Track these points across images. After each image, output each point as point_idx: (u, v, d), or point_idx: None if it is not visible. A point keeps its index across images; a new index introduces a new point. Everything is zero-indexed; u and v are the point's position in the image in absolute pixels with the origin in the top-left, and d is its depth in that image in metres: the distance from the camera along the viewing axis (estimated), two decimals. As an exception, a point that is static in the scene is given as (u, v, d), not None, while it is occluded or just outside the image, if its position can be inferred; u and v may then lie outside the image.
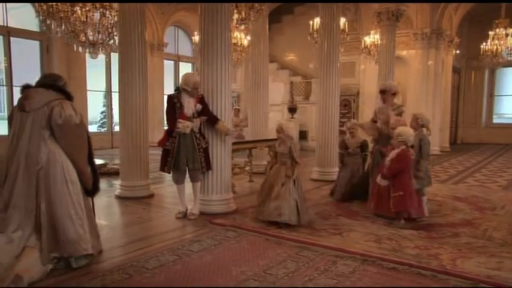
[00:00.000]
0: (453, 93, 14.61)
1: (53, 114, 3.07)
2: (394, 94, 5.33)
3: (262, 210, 4.39)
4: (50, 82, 3.25)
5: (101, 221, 4.46)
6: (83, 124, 3.23)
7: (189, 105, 4.54)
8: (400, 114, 5.12)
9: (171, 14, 14.01)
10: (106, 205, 5.38)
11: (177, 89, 4.67)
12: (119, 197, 5.67)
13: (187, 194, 4.90)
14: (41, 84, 3.24)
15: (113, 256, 3.46)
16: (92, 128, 13.53)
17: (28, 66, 11.53)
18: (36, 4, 8.03)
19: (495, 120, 16.90)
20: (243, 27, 7.00)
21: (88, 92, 12.15)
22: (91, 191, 3.36)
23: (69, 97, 3.25)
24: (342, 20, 8.75)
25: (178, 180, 4.80)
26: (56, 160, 3.07)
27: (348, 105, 13.08)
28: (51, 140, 3.11)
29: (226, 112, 4.89)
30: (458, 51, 14.04)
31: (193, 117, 4.56)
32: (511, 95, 16.76)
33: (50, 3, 7.82)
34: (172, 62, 15.09)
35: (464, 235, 4.06)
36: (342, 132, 6.91)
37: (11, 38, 10.67)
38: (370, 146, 5.56)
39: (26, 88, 3.22)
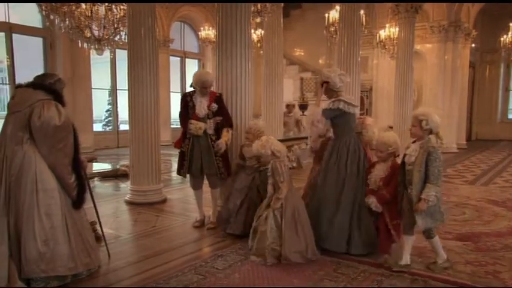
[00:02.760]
0: (468, 88, 14.14)
1: (32, 116, 2.74)
2: (324, 83, 3.70)
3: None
4: (39, 81, 2.93)
5: (112, 231, 4.12)
6: (66, 127, 2.83)
7: (201, 105, 4.14)
8: None
9: (176, 9, 13.57)
10: (116, 212, 5.01)
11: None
12: (130, 203, 5.29)
13: (205, 200, 4.53)
14: (30, 84, 2.92)
15: (129, 275, 3.10)
16: (97, 127, 13.16)
17: (31, 63, 11.15)
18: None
19: (510, 116, 16.43)
20: (258, 19, 6.57)
21: (93, 90, 11.77)
22: (75, 202, 2.93)
23: (58, 97, 2.89)
24: (361, 12, 8.29)
25: (195, 185, 4.43)
26: (30, 166, 2.71)
27: (361, 101, 12.63)
28: (29, 144, 2.76)
29: (247, 112, 4.50)
30: (473, 45, 13.57)
31: (208, 118, 4.17)
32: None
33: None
34: (179, 58, 14.68)
35: (517, 247, 3.67)
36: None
37: (13, 35, 10.29)
38: None
39: (16, 88, 2.95)
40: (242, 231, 3.75)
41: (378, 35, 11.22)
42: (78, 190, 2.90)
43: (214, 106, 4.15)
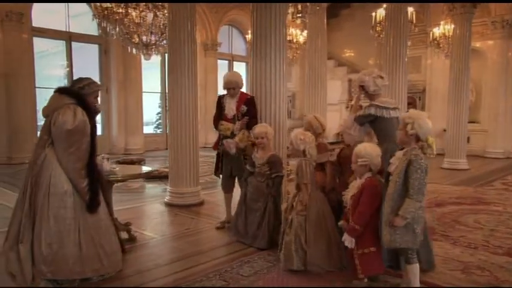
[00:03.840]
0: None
1: (51, 120, 2.85)
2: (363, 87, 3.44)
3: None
4: (69, 86, 3.03)
5: (146, 232, 4.21)
6: (78, 131, 2.83)
7: (229, 106, 4.22)
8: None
9: (224, 13, 13.78)
10: (155, 213, 5.13)
11: None
12: (168, 204, 5.39)
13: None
14: (59, 89, 3.02)
15: (157, 277, 3.12)
16: (148, 129, 13.66)
17: (88, 69, 11.82)
18: (93, 6, 8.06)
19: None
20: (299, 21, 6.45)
21: (145, 93, 12.24)
22: (88, 206, 2.90)
23: (82, 102, 2.94)
24: (410, 10, 7.90)
25: (225, 188, 4.48)
26: (47, 169, 2.80)
27: (413, 103, 12.02)
28: (50, 148, 2.86)
29: (281, 114, 4.40)
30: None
31: (237, 119, 4.19)
32: None
33: (105, 5, 7.82)
34: (227, 61, 14.88)
35: None
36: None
37: (73, 43, 10.97)
38: None
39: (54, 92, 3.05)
40: (269, 245, 3.63)
41: (431, 33, 10.63)
42: (90, 195, 2.88)
43: (244, 108, 4.15)
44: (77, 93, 2.96)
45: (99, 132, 11.29)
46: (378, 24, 8.65)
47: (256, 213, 3.74)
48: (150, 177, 7.50)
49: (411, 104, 12.05)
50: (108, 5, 7.80)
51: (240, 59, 15.27)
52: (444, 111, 9.89)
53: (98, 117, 11.95)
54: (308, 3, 6.20)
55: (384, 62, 6.69)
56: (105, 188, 3.19)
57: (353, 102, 3.71)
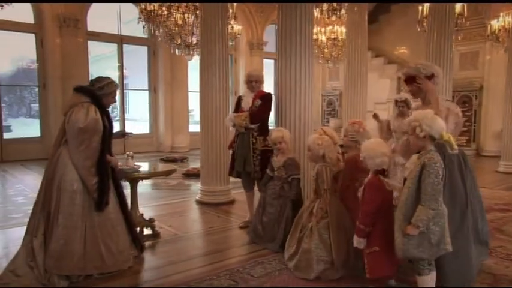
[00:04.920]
0: None
1: (65, 119, 2.95)
2: (431, 77, 2.97)
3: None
4: (82, 85, 3.13)
5: (171, 229, 4.31)
6: (89, 129, 2.89)
7: (246, 100, 4.31)
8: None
9: (270, 12, 13.76)
10: (185, 210, 5.24)
11: None
12: (200, 202, 5.49)
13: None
14: (75, 87, 3.12)
15: (168, 274, 3.17)
16: (196, 128, 13.97)
17: (138, 70, 12.38)
18: (139, 8, 8.39)
19: None
20: (334, 18, 6.27)
21: (193, 93, 12.51)
22: (96, 204, 2.95)
23: (96, 100, 3.02)
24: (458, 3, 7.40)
25: (246, 186, 4.50)
26: (61, 166, 2.92)
27: (468, 102, 11.27)
28: (64, 145, 2.97)
29: (306, 115, 4.29)
30: None
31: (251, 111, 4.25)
32: None
33: (150, 7, 8.11)
34: (272, 60, 14.85)
35: None
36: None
37: (124, 45, 11.53)
38: None
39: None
40: (283, 248, 3.53)
41: (489, 25, 9.86)
42: (97, 193, 2.94)
43: (258, 102, 4.22)
44: (91, 91, 3.05)
45: (146, 130, 12.00)
46: (425, 19, 8.17)
47: (272, 216, 3.69)
48: (189, 175, 7.73)
49: (466, 103, 11.29)
50: (153, 7, 8.09)
51: (286, 57, 15.19)
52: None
53: (146, 116, 12.33)
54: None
55: (427, 58, 6.31)
56: (120, 186, 3.29)
57: (432, 97, 2.98)
